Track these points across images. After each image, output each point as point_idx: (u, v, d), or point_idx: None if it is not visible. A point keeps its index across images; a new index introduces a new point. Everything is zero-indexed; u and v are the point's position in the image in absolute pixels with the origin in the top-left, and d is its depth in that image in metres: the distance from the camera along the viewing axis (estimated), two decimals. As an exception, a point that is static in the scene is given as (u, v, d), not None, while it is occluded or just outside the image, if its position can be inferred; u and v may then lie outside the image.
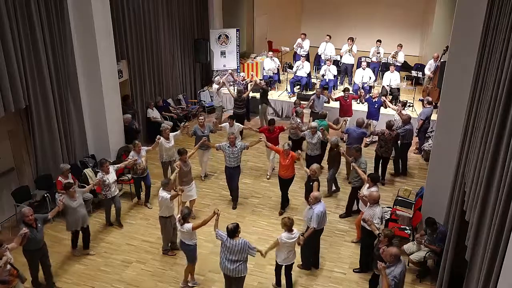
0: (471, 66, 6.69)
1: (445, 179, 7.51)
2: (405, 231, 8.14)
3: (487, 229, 4.66)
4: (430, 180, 8.18)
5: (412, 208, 8.80)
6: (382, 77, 13.65)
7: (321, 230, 7.58)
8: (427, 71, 13.08)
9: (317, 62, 15.26)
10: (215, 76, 14.31)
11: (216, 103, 13.10)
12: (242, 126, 10.83)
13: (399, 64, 13.78)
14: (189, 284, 7.42)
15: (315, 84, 14.20)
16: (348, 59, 14.28)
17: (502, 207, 4.16)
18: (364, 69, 13.34)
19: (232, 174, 9.31)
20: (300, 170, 9.50)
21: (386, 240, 6.22)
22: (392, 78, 12.96)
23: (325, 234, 8.63)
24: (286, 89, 14.18)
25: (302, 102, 11.84)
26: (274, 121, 10.40)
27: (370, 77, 13.28)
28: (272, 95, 13.94)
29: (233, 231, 6.35)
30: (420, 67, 14.11)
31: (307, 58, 14.41)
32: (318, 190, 8.03)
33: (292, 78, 14.12)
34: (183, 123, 11.37)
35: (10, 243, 6.45)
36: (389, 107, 11.54)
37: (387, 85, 13.02)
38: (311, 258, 7.79)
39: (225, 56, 14.68)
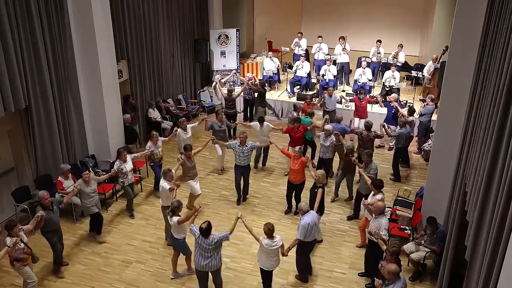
0: (471, 66, 6.69)
1: (445, 179, 7.51)
2: (405, 231, 8.13)
3: (487, 229, 4.67)
4: (430, 180, 8.17)
5: (412, 208, 8.80)
6: (382, 77, 13.65)
7: (310, 243, 7.27)
8: (426, 73, 13.08)
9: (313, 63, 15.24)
10: (216, 75, 14.33)
11: (215, 101, 13.16)
12: (272, 126, 10.65)
13: (399, 64, 13.79)
14: (171, 276, 7.58)
15: (315, 84, 14.22)
16: (343, 58, 14.28)
17: (502, 207, 4.16)
18: (364, 69, 13.34)
19: (242, 173, 9.45)
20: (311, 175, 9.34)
21: (392, 258, 6.04)
22: (392, 78, 12.96)
23: (325, 234, 8.66)
24: (286, 89, 14.18)
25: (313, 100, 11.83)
26: (299, 119, 10.33)
27: (368, 79, 13.27)
28: (272, 95, 13.95)
29: (207, 231, 6.44)
30: (420, 67, 14.10)
31: (306, 58, 14.42)
32: (322, 198, 7.86)
33: (292, 78, 14.13)
34: (202, 116, 11.64)
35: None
36: (403, 114, 11.15)
37: (387, 80, 13.00)
38: (306, 270, 7.59)
39: (225, 56, 14.68)
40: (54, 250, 7.57)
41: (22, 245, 6.51)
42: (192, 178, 8.93)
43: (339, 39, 14.16)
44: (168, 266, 7.86)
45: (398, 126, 10.46)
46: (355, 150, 9.21)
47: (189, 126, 10.21)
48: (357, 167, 8.91)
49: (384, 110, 12.10)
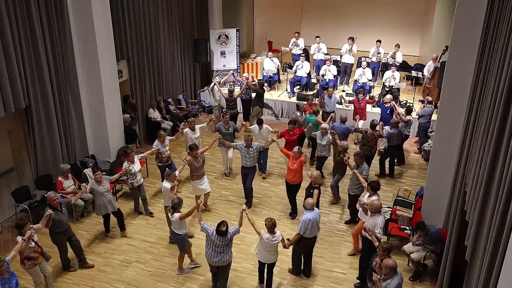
0: (471, 66, 6.69)
1: (445, 179, 7.51)
2: (405, 231, 8.13)
3: (487, 229, 4.67)
4: (430, 180, 8.18)
5: (412, 208, 8.79)
6: (382, 77, 13.65)
7: (311, 239, 7.29)
8: (426, 73, 13.08)
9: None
10: (215, 76, 14.33)
11: (212, 103, 13.14)
12: (271, 129, 10.55)
13: (397, 64, 13.79)
14: (176, 272, 7.69)
15: (315, 84, 14.21)
16: (348, 59, 14.28)
17: (502, 207, 4.16)
18: (364, 69, 13.33)
19: (247, 174, 9.44)
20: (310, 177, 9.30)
21: (384, 253, 6.06)
22: (392, 78, 12.95)
23: (325, 234, 8.66)
24: (286, 89, 14.18)
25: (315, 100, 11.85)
26: (295, 121, 10.28)
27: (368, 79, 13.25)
28: (272, 95, 13.95)
29: (226, 232, 6.57)
30: (420, 67, 14.10)
31: (306, 57, 14.40)
32: (318, 199, 7.87)
33: (292, 78, 14.12)
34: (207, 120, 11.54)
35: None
36: (398, 112, 11.04)
37: (387, 80, 13.00)
38: (300, 264, 7.60)
39: (225, 56, 14.68)
40: (61, 254, 7.61)
41: (33, 244, 6.58)
42: (199, 178, 8.89)
43: (348, 39, 14.10)
44: (168, 266, 7.89)
45: (390, 126, 10.42)
46: (347, 150, 9.16)
47: (197, 126, 10.17)
48: (348, 169, 8.93)
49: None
